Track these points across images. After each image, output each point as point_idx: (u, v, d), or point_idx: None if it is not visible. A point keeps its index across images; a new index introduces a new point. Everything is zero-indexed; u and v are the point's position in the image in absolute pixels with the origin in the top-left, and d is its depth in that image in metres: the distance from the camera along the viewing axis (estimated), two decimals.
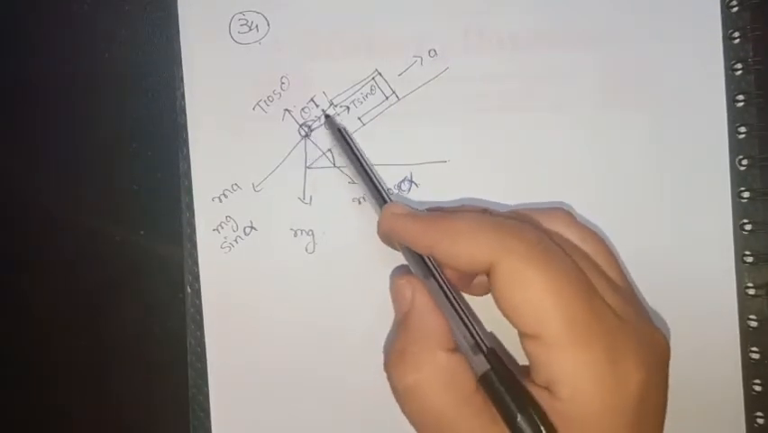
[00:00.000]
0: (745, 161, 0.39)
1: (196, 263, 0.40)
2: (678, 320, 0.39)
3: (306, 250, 0.40)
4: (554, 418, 0.28)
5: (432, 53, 0.40)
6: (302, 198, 0.40)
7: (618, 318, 0.30)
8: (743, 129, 0.39)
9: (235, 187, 0.40)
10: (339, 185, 0.40)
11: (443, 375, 0.30)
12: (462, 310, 0.31)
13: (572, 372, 0.28)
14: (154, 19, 0.41)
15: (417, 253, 0.33)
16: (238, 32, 0.40)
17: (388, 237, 0.36)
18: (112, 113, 0.42)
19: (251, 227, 0.40)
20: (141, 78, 0.42)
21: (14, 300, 0.42)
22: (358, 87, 0.40)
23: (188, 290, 0.40)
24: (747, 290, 0.39)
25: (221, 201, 0.40)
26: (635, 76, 0.40)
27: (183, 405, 0.40)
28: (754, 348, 0.39)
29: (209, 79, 0.40)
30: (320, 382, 0.40)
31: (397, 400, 0.32)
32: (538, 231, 0.31)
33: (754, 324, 0.39)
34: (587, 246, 0.33)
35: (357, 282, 0.40)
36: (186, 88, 0.40)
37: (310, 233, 0.40)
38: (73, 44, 0.42)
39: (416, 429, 0.31)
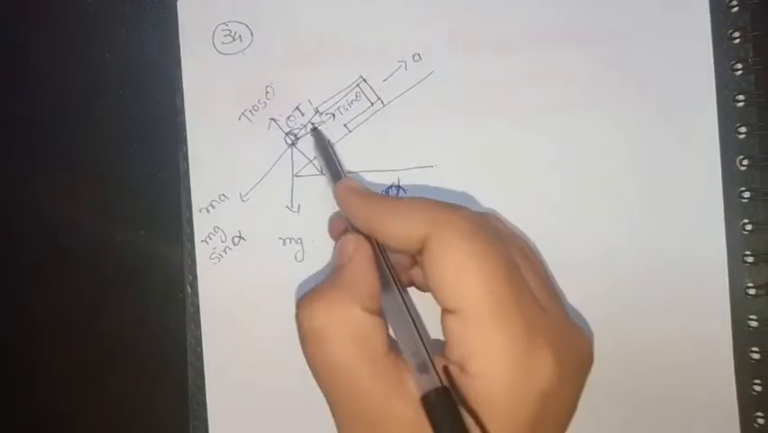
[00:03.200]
0: (745, 162, 0.39)
1: (195, 263, 0.41)
2: (672, 322, 0.39)
3: (296, 258, 0.40)
4: (462, 393, 0.28)
5: (416, 58, 0.40)
6: (290, 206, 0.40)
7: (542, 309, 0.30)
8: (743, 129, 0.39)
9: (223, 197, 0.40)
10: (326, 192, 0.39)
11: (354, 328, 0.30)
12: (418, 327, 0.31)
13: (485, 347, 0.28)
14: (154, 20, 0.41)
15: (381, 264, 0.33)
16: (221, 42, 0.40)
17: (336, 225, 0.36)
18: (111, 113, 0.42)
19: (240, 237, 0.40)
20: (140, 78, 0.42)
21: (14, 300, 0.43)
22: (343, 93, 0.40)
23: (188, 289, 0.41)
24: (748, 290, 0.39)
25: (208, 212, 0.40)
26: (621, 77, 0.40)
27: (183, 405, 0.41)
28: (755, 348, 0.39)
29: (194, 90, 0.40)
30: (314, 383, 0.40)
31: (301, 343, 0.31)
32: (474, 213, 0.31)
33: (754, 324, 0.39)
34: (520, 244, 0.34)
35: None
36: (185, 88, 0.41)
37: (299, 241, 0.40)
38: (73, 44, 0.42)
39: (315, 376, 0.31)
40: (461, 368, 0.28)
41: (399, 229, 0.31)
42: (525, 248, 0.34)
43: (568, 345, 0.30)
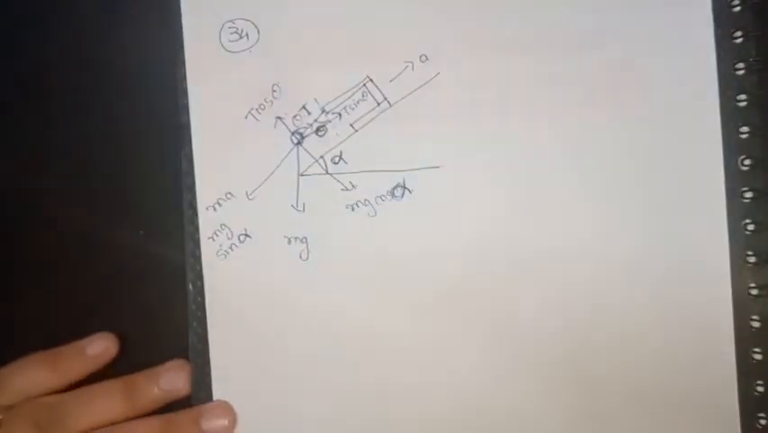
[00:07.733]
0: (747, 162, 0.39)
1: (198, 261, 0.41)
2: (674, 322, 0.39)
3: (300, 257, 0.40)
4: None
5: (423, 58, 0.40)
6: (295, 205, 0.40)
7: None
8: (745, 129, 0.39)
9: (229, 195, 0.40)
10: (332, 192, 0.40)
11: None
12: None
13: None
14: (158, 17, 0.41)
15: None
16: (228, 40, 0.40)
17: None
18: (115, 112, 0.42)
19: (246, 235, 0.40)
20: (142, 77, 0.42)
21: (15, 300, 0.43)
22: (349, 93, 0.40)
23: (190, 287, 0.41)
24: (750, 291, 0.39)
25: (215, 210, 0.40)
26: (624, 78, 0.39)
27: (185, 402, 0.41)
28: (757, 349, 0.39)
29: (200, 89, 0.41)
30: (317, 382, 0.40)
31: None
32: None
33: (756, 324, 0.39)
34: None
35: (351, 289, 0.40)
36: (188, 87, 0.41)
37: (304, 240, 0.40)
38: (76, 43, 0.43)
39: None
40: None
41: None
42: None
43: None
